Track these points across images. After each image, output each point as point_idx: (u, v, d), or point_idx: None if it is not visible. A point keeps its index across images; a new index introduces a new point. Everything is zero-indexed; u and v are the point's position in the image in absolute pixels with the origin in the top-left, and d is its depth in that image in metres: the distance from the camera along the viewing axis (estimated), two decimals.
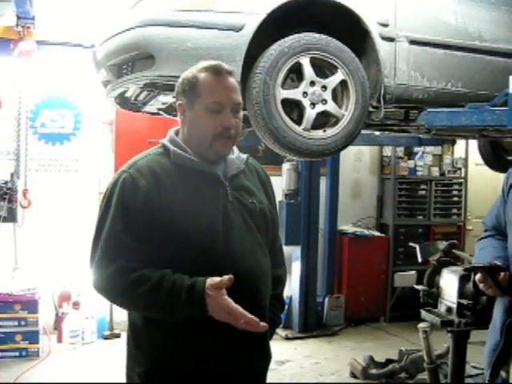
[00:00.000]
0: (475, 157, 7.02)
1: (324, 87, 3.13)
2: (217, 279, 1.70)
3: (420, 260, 3.04)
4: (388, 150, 7.05)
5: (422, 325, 3.10)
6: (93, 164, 5.84)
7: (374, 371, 4.82)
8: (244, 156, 2.05)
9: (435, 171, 7.13)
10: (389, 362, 4.91)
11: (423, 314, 2.86)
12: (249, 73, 3.04)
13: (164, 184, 1.83)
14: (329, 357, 5.55)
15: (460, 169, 7.30)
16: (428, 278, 2.97)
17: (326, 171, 6.57)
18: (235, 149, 2.04)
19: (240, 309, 1.70)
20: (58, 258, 5.61)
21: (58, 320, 5.64)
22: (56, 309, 5.73)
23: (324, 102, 3.12)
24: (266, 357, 2.01)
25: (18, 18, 5.13)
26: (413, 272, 6.68)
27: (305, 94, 3.09)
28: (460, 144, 7.02)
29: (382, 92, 3.31)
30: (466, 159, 7.33)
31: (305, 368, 5.23)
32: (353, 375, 4.93)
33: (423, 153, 7.04)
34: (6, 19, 5.31)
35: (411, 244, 3.10)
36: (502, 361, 2.30)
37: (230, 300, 1.70)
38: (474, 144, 6.91)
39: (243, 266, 1.84)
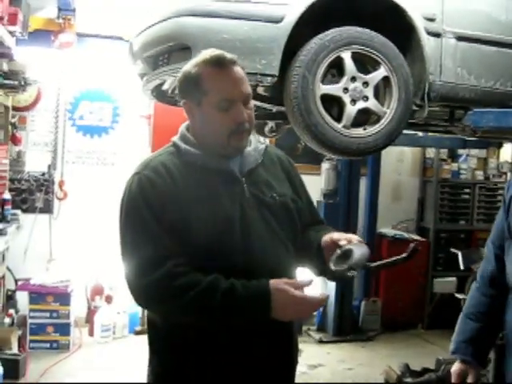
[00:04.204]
0: None
1: (366, 83, 3.00)
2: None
3: (462, 267, 2.89)
4: (431, 152, 6.84)
5: None
6: (130, 158, 5.81)
7: (409, 380, 4.65)
8: (262, 146, 1.94)
9: (479, 175, 6.90)
10: (425, 371, 4.71)
11: None
12: (287, 67, 2.94)
13: (179, 183, 1.74)
14: (363, 363, 5.41)
15: (505, 173, 7.04)
16: (470, 286, 2.81)
17: (367, 171, 6.42)
18: (253, 139, 1.93)
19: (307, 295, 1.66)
20: (92, 251, 5.61)
21: (90, 313, 5.64)
22: (88, 302, 5.74)
23: (365, 98, 3.00)
24: (291, 363, 1.91)
25: (59, 9, 5.13)
26: (453, 278, 6.52)
27: (345, 89, 2.97)
28: (506, 147, 6.78)
29: (427, 90, 3.17)
30: None
31: (337, 373, 5.10)
32: (386, 382, 4.77)
33: (467, 155, 6.82)
34: (47, 11, 5.32)
35: (453, 250, 2.96)
36: None
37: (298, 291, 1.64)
38: None
39: (264, 265, 1.75)
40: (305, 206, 2.00)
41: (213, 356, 1.72)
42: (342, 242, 1.77)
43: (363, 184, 6.41)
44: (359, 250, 1.71)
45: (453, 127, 4.20)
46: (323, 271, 1.89)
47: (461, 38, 3.22)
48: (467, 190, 6.86)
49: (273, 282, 1.65)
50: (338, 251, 1.75)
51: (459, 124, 3.60)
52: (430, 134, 5.31)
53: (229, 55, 1.79)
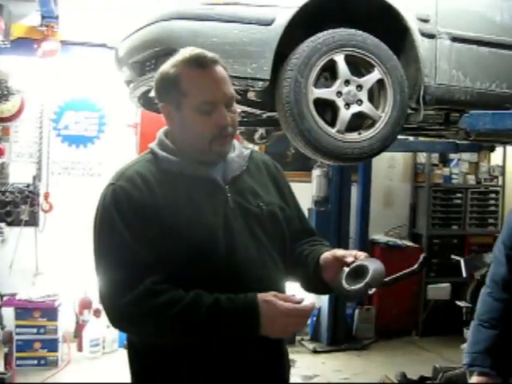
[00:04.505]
0: None
1: (359, 87, 2.92)
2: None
3: (465, 275, 2.80)
4: (422, 157, 6.80)
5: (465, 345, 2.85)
6: (117, 168, 5.69)
7: None
8: (247, 151, 1.82)
9: (471, 179, 6.88)
10: (423, 379, 4.64)
11: (467, 333, 2.62)
12: (279, 71, 2.85)
13: (157, 194, 1.61)
14: (358, 372, 5.32)
15: (497, 177, 7.04)
16: (471, 294, 2.73)
17: (358, 178, 6.35)
18: (236, 144, 1.81)
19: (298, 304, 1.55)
20: (79, 264, 5.44)
21: (79, 328, 5.50)
22: (76, 316, 5.60)
23: (359, 102, 2.92)
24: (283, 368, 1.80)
25: (42, 17, 5.03)
26: (447, 284, 6.46)
27: (339, 93, 2.89)
28: (497, 151, 6.73)
29: (422, 92, 3.09)
30: (503, 167, 7.05)
31: None
32: None
33: (459, 160, 6.79)
34: (30, 19, 5.21)
35: (454, 257, 2.87)
36: None
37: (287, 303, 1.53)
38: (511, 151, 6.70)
39: (250, 280, 1.63)
40: (293, 213, 1.89)
41: (205, 363, 1.60)
42: (349, 259, 1.66)
43: (354, 191, 6.33)
44: (374, 266, 1.61)
45: (445, 131, 4.15)
46: (317, 288, 1.81)
47: (455, 39, 3.16)
48: (459, 195, 6.83)
49: (260, 295, 1.55)
50: (346, 268, 1.65)
51: (454, 127, 3.52)
52: (420, 138, 5.25)
53: (210, 54, 1.67)
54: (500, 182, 7.06)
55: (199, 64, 1.64)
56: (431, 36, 3.09)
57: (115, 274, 1.56)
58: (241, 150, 1.81)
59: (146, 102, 3.56)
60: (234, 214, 1.67)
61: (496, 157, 6.96)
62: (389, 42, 3.00)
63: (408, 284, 6.50)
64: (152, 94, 3.34)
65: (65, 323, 5.37)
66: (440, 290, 6.18)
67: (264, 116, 3.65)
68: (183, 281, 1.55)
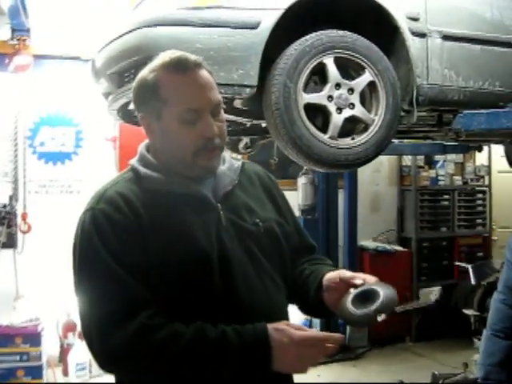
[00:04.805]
0: (498, 164, 6.77)
1: (351, 90, 2.82)
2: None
3: (473, 282, 2.67)
4: (407, 160, 6.73)
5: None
6: (96, 184, 5.51)
7: None
8: (238, 163, 1.64)
9: (458, 180, 6.82)
10: None
11: (477, 343, 2.48)
12: (266, 76, 2.72)
13: (142, 216, 1.43)
14: (355, 383, 5.19)
15: (483, 177, 6.99)
16: (479, 301, 2.60)
17: (344, 184, 6.23)
18: (226, 156, 1.63)
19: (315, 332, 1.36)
20: (61, 286, 5.23)
21: (64, 352, 5.28)
22: (61, 340, 5.38)
23: (351, 106, 2.81)
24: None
25: (13, 30, 4.87)
26: (438, 288, 6.42)
27: (330, 97, 2.78)
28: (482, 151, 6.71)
29: (415, 93, 2.99)
30: (489, 166, 7.01)
31: None
32: None
33: (444, 161, 6.73)
34: (1, 33, 5.04)
35: (460, 263, 2.74)
36: None
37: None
38: (496, 150, 6.63)
39: (252, 309, 1.45)
40: (292, 228, 1.70)
41: None
42: (357, 282, 1.49)
43: (341, 197, 6.22)
44: (385, 291, 1.45)
45: (436, 132, 4.06)
46: (318, 311, 1.63)
47: (446, 38, 3.08)
48: (446, 196, 6.76)
49: (270, 325, 1.37)
50: (352, 290, 1.48)
51: (447, 128, 3.42)
52: (405, 141, 5.16)
53: (193, 57, 1.49)
54: (486, 182, 7.02)
55: (180, 68, 1.46)
56: (422, 35, 3.01)
57: (102, 310, 1.36)
58: (231, 162, 1.63)
59: (125, 114, 3.41)
60: (228, 235, 1.49)
61: (481, 156, 6.91)
62: (379, 43, 2.90)
63: (400, 289, 6.24)
64: (131, 106, 3.19)
65: (49, 348, 5.15)
66: (431, 293, 6.18)
67: (248, 125, 3.54)
68: (177, 314, 1.38)
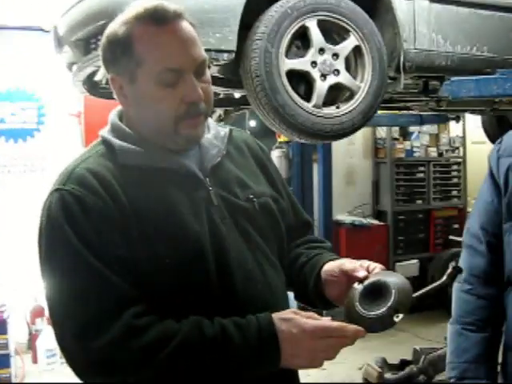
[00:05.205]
0: (472, 135, 6.71)
1: (335, 55, 2.68)
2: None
3: None
4: (382, 132, 6.60)
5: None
6: (61, 161, 5.28)
7: (389, 376, 4.37)
8: (225, 130, 1.43)
9: (433, 151, 6.73)
10: (404, 363, 4.46)
11: None
12: (245, 41, 2.54)
13: (119, 198, 1.21)
14: (335, 361, 4.96)
15: (458, 148, 6.92)
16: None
17: (318, 157, 6.07)
18: (211, 122, 1.42)
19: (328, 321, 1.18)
20: (27, 270, 5.04)
21: (32, 338, 5.09)
22: (29, 326, 5.19)
23: (336, 72, 2.68)
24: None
25: None
26: (415, 261, 6.40)
27: (313, 63, 2.64)
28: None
29: (402, 59, 2.84)
30: (463, 137, 6.94)
31: (311, 376, 4.74)
32: (366, 381, 4.47)
33: (419, 133, 6.63)
34: None
35: (453, 238, 2.60)
36: None
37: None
38: (470, 121, 6.56)
39: (251, 298, 1.28)
40: (287, 204, 1.52)
41: None
42: (361, 274, 1.29)
43: (315, 171, 6.08)
44: (396, 282, 1.23)
45: (412, 102, 3.95)
46: (318, 304, 1.44)
47: (434, 0, 2.91)
48: (422, 169, 6.67)
49: (275, 314, 1.19)
50: (357, 286, 1.28)
51: (433, 96, 3.29)
52: (380, 111, 5.03)
53: (172, 6, 1.24)
54: (461, 153, 6.96)
55: (158, 20, 1.23)
56: None
57: (79, 309, 1.15)
58: (217, 129, 1.41)
59: (91, 86, 3.23)
60: (220, 214, 1.30)
61: (456, 128, 6.83)
62: (363, 5, 2.76)
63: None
64: (99, 76, 2.98)
65: (16, 335, 4.95)
66: (409, 267, 6.16)
67: (222, 95, 3.37)
68: (168, 310, 1.18)
